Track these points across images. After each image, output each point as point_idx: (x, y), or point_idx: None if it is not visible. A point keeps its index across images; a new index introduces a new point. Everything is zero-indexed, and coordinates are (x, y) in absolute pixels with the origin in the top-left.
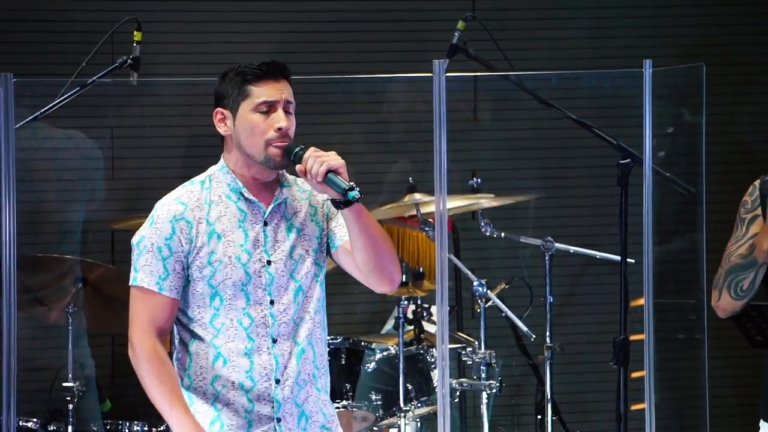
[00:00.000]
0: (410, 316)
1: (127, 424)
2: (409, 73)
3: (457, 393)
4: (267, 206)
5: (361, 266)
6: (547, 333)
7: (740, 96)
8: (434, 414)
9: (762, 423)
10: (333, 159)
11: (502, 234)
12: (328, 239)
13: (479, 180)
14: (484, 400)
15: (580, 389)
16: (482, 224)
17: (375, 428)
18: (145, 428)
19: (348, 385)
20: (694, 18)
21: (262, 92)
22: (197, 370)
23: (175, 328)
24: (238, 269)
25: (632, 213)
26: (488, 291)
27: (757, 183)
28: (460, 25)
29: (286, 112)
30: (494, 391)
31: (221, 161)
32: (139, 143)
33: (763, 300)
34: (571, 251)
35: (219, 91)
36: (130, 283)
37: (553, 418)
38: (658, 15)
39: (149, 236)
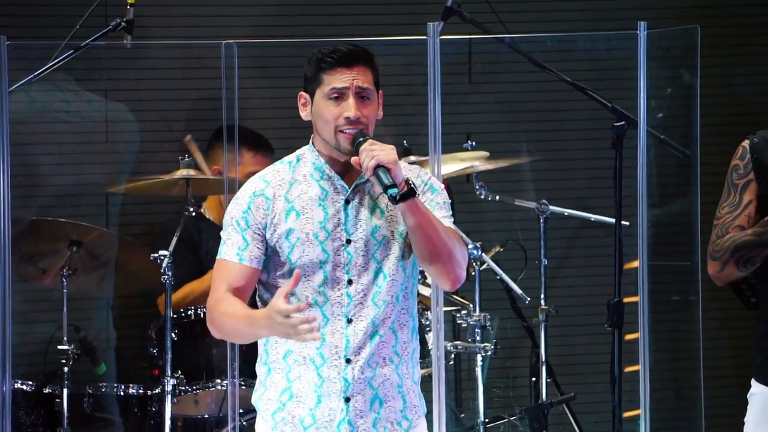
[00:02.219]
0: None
1: (122, 386)
2: (403, 35)
3: (452, 356)
4: (350, 185)
5: (419, 262)
6: (542, 296)
7: (735, 58)
8: (429, 376)
9: (753, 382)
10: (385, 154)
11: (497, 197)
12: None
13: (474, 143)
14: (479, 363)
15: (574, 351)
16: (477, 187)
17: None
18: (140, 391)
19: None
20: None
21: (332, 79)
22: (272, 344)
23: (259, 304)
24: (315, 247)
25: (627, 175)
26: (483, 254)
27: (746, 144)
28: None
29: (362, 98)
30: (489, 353)
31: (310, 141)
32: (133, 106)
33: None
34: (566, 214)
35: (305, 73)
36: (218, 256)
37: (548, 380)
38: None
39: (230, 211)
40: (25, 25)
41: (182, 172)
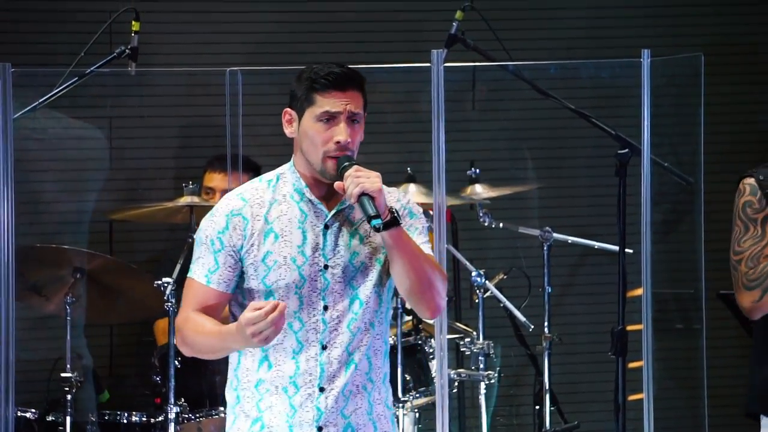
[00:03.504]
0: (408, 306)
1: (125, 414)
2: (407, 62)
3: (456, 383)
4: (330, 210)
5: (400, 291)
6: (546, 323)
7: (738, 86)
8: (433, 404)
9: (763, 418)
10: (370, 183)
11: (501, 224)
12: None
13: (477, 170)
14: (483, 391)
15: (578, 379)
16: (481, 214)
17: None
18: (144, 419)
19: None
20: (693, 7)
21: (325, 102)
22: (243, 372)
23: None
24: (292, 271)
25: (630, 203)
26: (487, 281)
27: (752, 182)
28: (459, 15)
29: (352, 122)
30: (492, 381)
31: (291, 160)
32: (137, 133)
33: None
34: (570, 241)
35: (292, 89)
36: (188, 274)
37: (552, 408)
38: (657, 4)
39: (205, 228)
40: (29, 52)
41: (186, 200)
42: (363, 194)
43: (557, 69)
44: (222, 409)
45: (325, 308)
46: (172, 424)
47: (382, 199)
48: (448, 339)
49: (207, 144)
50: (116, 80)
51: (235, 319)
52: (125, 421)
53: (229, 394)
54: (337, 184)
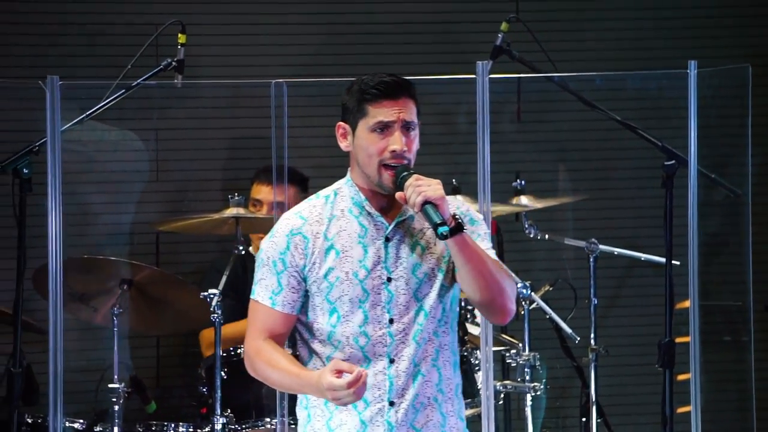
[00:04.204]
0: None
1: (173, 425)
2: (452, 74)
3: (501, 395)
4: (390, 222)
5: (470, 299)
6: (592, 335)
7: None
8: (478, 416)
9: None
10: (432, 190)
11: (546, 236)
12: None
13: (523, 182)
14: (529, 403)
15: (625, 392)
16: (526, 226)
17: None
18: (190, 429)
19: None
20: (739, 18)
21: (378, 112)
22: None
23: (298, 341)
24: (355, 286)
25: (677, 215)
26: (532, 293)
27: None
28: (504, 26)
29: (407, 130)
30: (539, 393)
31: (348, 175)
32: (183, 145)
33: None
34: (616, 253)
35: (343, 103)
36: (250, 296)
37: (599, 420)
38: (703, 15)
39: (267, 250)
40: (77, 65)
41: (231, 211)
42: (426, 202)
43: (603, 80)
44: (268, 420)
45: (391, 321)
46: None
47: (445, 206)
48: (494, 351)
49: (252, 156)
50: (162, 92)
51: (300, 339)
52: (172, 431)
53: (300, 412)
54: (398, 195)
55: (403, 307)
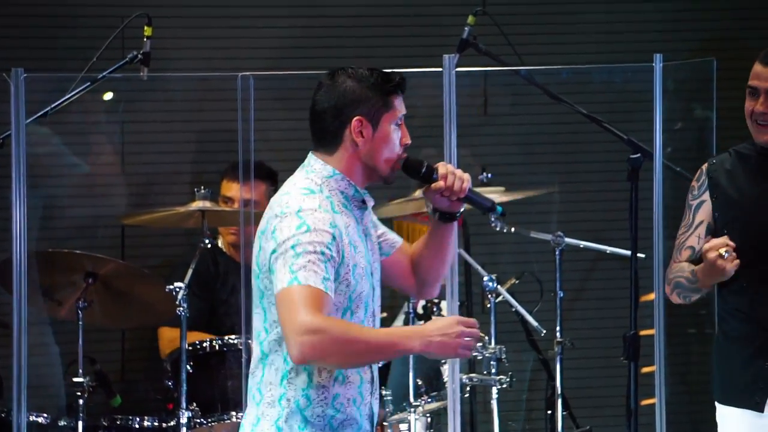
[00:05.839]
0: (420, 311)
1: (137, 419)
2: (419, 67)
3: (468, 388)
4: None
5: (425, 274)
6: (558, 328)
7: None
8: (444, 409)
9: (718, 405)
10: (467, 175)
11: (512, 229)
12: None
13: (489, 175)
14: (494, 396)
15: (590, 384)
16: (492, 219)
17: (385, 423)
18: (155, 423)
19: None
20: (705, 12)
21: (399, 105)
22: (318, 390)
23: (274, 354)
24: (367, 281)
25: (642, 207)
26: (498, 286)
27: (704, 167)
28: (470, 19)
29: None
30: (504, 386)
31: (325, 166)
32: (149, 138)
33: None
34: (582, 246)
35: (357, 94)
36: (285, 285)
37: (564, 413)
38: (669, 9)
39: (312, 238)
40: (42, 58)
41: (198, 204)
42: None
43: (569, 73)
44: (233, 413)
45: (374, 314)
46: (184, 429)
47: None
48: None
49: (219, 149)
50: (128, 85)
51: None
52: (137, 425)
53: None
54: (435, 186)
55: (378, 299)
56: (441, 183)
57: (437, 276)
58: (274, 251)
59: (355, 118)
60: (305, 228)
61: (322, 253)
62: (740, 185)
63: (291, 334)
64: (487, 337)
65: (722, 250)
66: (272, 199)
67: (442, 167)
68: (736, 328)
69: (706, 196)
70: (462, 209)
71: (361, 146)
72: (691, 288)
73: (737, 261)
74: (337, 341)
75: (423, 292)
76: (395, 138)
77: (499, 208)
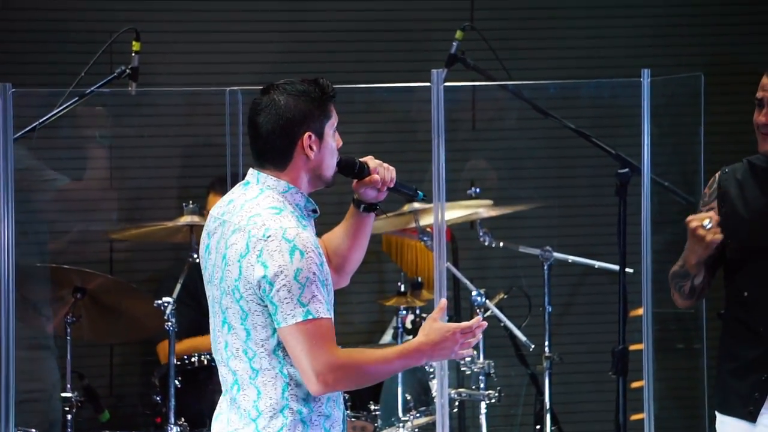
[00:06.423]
0: (409, 326)
1: None
2: (407, 82)
3: (456, 403)
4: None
5: (346, 263)
6: (546, 343)
7: (738, 105)
8: (433, 424)
9: (718, 414)
10: (393, 168)
11: (501, 243)
12: None
13: (478, 189)
14: (483, 410)
15: (579, 399)
16: (481, 234)
17: None
18: None
19: (346, 395)
20: (693, 27)
21: (334, 111)
22: (315, 395)
23: (286, 361)
24: (330, 283)
25: (631, 222)
26: (487, 301)
27: (717, 175)
28: (459, 35)
29: None
30: (493, 401)
31: (279, 182)
32: (137, 153)
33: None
34: (570, 261)
35: (301, 110)
36: (301, 319)
37: (552, 428)
38: (657, 24)
39: (306, 264)
40: (30, 73)
41: (186, 219)
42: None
43: (557, 88)
44: None
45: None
46: None
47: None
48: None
49: (207, 164)
50: (116, 100)
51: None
52: None
53: None
54: (371, 178)
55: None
56: (376, 176)
57: (356, 264)
58: (269, 279)
59: (305, 135)
60: (299, 254)
61: (318, 278)
62: (747, 195)
63: (314, 371)
64: (475, 352)
65: (705, 221)
66: (233, 218)
67: (371, 161)
68: (739, 338)
69: (714, 204)
70: (423, 194)
71: (312, 159)
72: (681, 273)
73: (719, 235)
74: (358, 374)
75: (339, 282)
76: (335, 144)
77: (420, 194)
